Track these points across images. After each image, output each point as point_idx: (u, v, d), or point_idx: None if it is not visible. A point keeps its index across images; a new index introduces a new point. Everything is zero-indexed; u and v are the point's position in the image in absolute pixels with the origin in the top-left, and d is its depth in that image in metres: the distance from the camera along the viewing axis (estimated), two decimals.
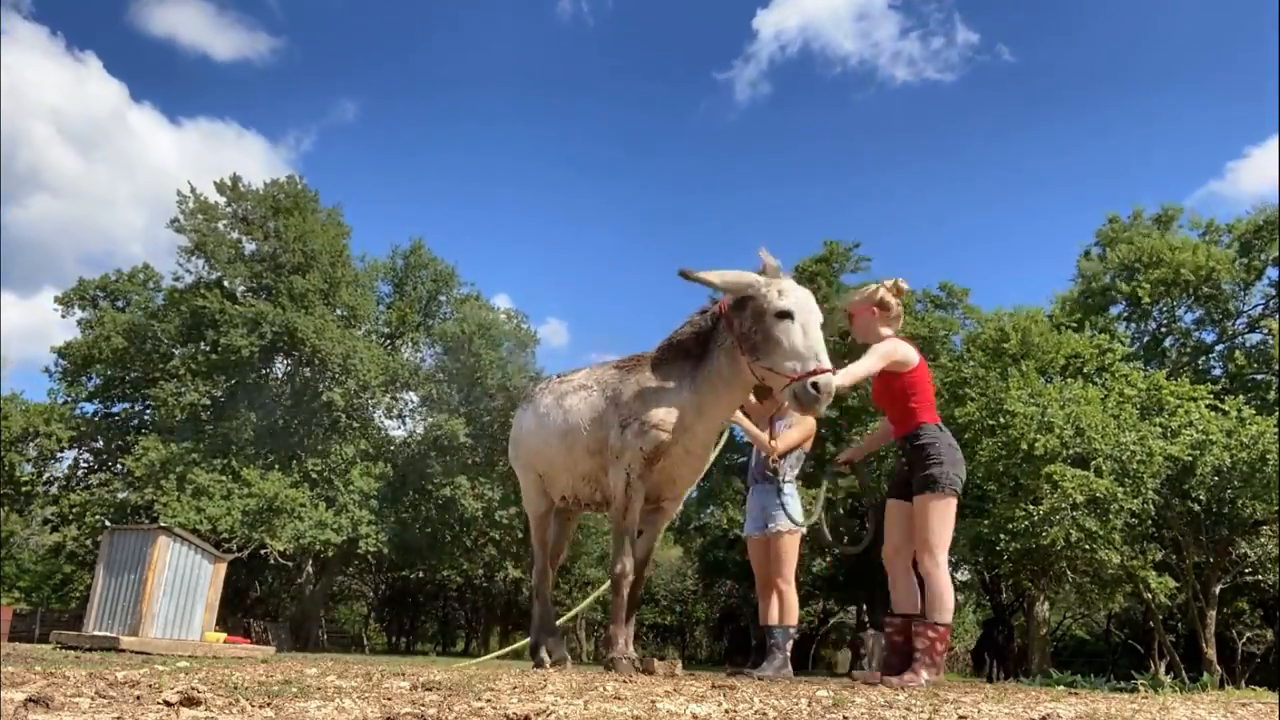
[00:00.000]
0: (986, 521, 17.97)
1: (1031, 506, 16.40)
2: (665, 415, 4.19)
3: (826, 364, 3.83)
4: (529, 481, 5.00)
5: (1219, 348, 25.65)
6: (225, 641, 12.61)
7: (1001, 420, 18.08)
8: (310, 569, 28.29)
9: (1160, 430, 16.94)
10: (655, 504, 4.56)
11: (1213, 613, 18.87)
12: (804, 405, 3.81)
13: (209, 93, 74.05)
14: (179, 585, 12.32)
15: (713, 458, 4.67)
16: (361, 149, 77.06)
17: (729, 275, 4.11)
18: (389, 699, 2.14)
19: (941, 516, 4.12)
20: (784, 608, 5.15)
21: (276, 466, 24.77)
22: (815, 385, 3.74)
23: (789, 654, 5.09)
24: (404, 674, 3.13)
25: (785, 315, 3.90)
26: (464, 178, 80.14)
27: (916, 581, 4.27)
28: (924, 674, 3.96)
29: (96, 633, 11.40)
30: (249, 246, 27.42)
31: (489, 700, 2.14)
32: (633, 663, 4.24)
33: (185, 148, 78.22)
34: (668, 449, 4.20)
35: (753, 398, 4.93)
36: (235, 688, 2.29)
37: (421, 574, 32.15)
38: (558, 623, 5.36)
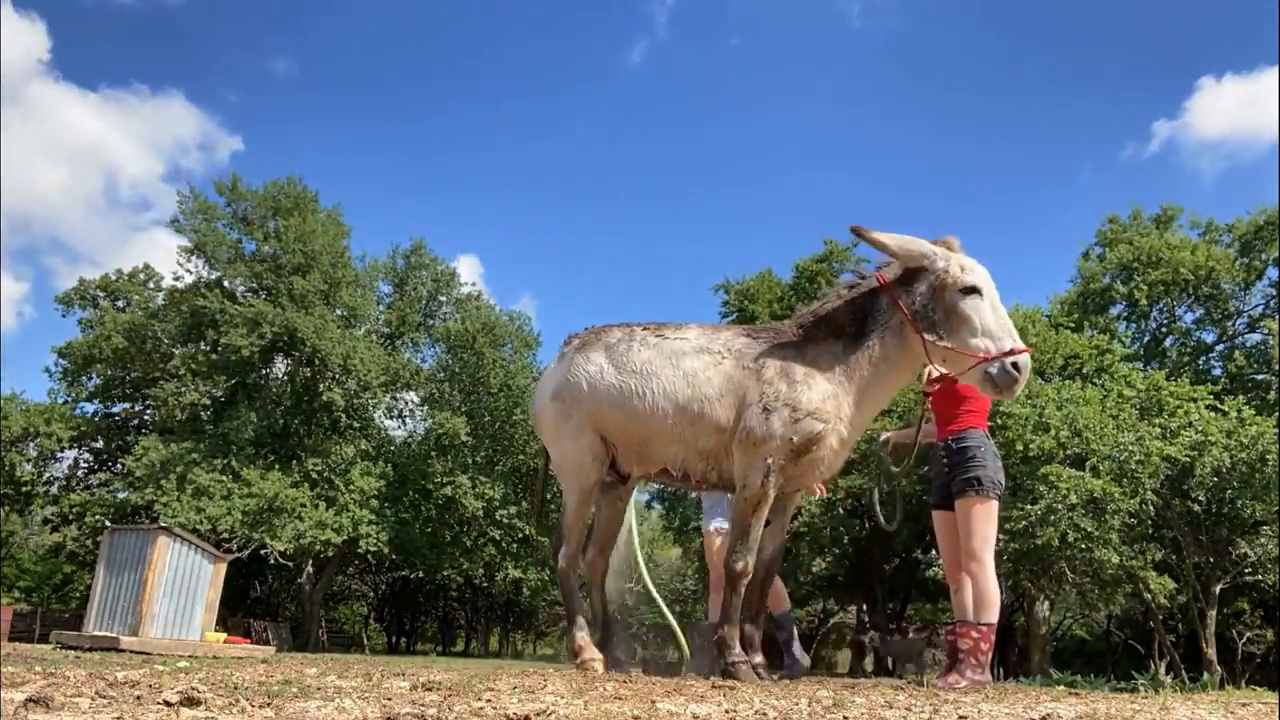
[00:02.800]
0: None
1: (1029, 506, 16.41)
2: (822, 403, 3.72)
3: (1021, 343, 3.60)
4: (582, 445, 4.22)
5: (1219, 348, 25.66)
6: (225, 641, 12.61)
7: (999, 421, 18.08)
8: (310, 569, 28.28)
9: (1159, 431, 16.95)
10: (791, 492, 4.13)
11: (1213, 613, 18.86)
12: (1001, 387, 3.54)
13: (123, 43, 71.61)
14: (179, 585, 12.31)
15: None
16: (300, 110, 75.73)
17: (905, 240, 3.75)
18: (389, 699, 2.14)
19: (985, 518, 4.15)
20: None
21: (276, 466, 24.75)
22: (1016, 365, 3.51)
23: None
24: (404, 674, 3.13)
25: (973, 291, 3.61)
26: (416, 138, 79.38)
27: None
28: (969, 674, 3.96)
29: (96, 633, 11.39)
30: (249, 247, 27.44)
31: (489, 700, 2.14)
32: (755, 669, 3.90)
33: (102, 106, 76.80)
34: (821, 441, 3.74)
35: None
36: (235, 688, 2.29)
37: (421, 574, 32.15)
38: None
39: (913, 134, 79.70)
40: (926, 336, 3.65)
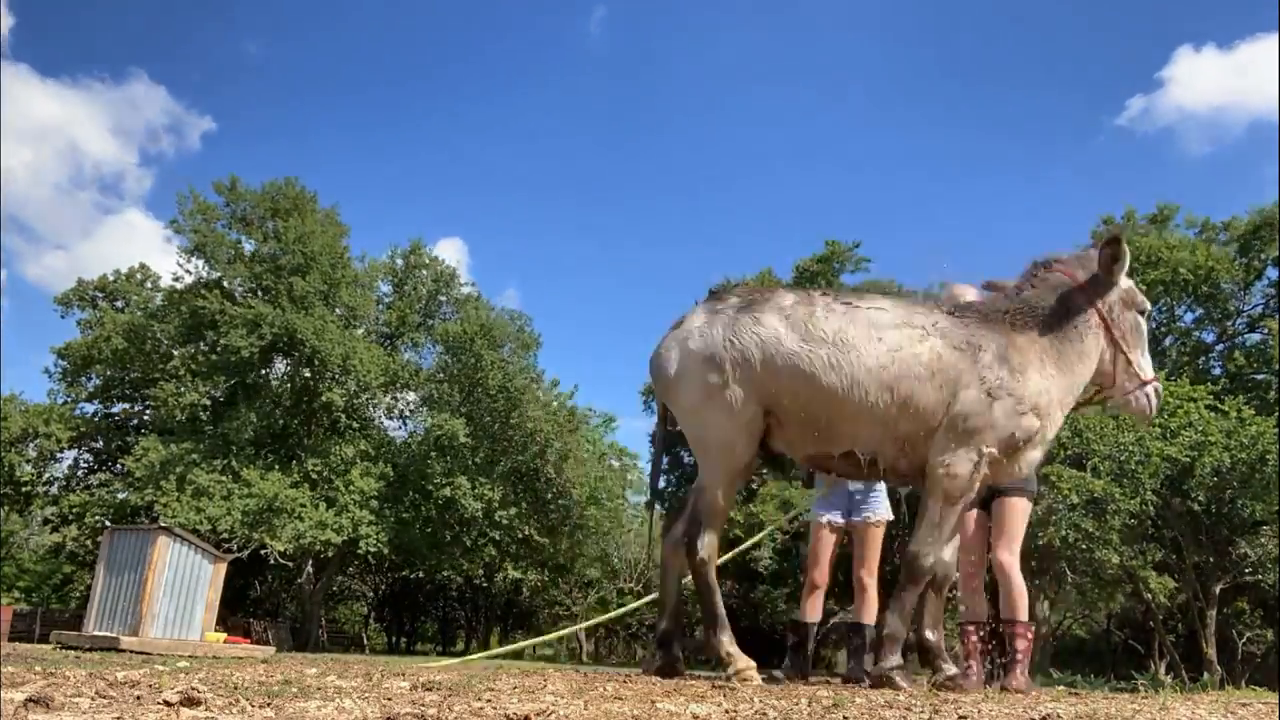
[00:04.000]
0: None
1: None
2: (1038, 397, 3.53)
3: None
4: (741, 421, 3.69)
5: (1219, 347, 25.67)
6: (225, 641, 12.61)
7: None
8: (310, 569, 28.28)
9: (1159, 431, 16.96)
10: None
11: (1213, 613, 18.87)
12: (1149, 411, 3.65)
13: (84, 21, 69.84)
14: (179, 585, 12.31)
15: None
16: (270, 88, 74.15)
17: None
18: (389, 699, 2.14)
19: (1025, 517, 4.33)
20: (868, 604, 4.89)
21: (276, 467, 24.76)
22: (1158, 392, 3.64)
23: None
24: (404, 674, 3.13)
25: (1144, 313, 3.66)
26: (391, 121, 78.66)
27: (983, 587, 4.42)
28: (1024, 675, 4.01)
29: (96, 633, 11.39)
30: (248, 247, 27.45)
31: (489, 700, 2.14)
32: (955, 679, 3.57)
33: (65, 85, 75.96)
34: (1035, 440, 3.58)
35: None
36: (235, 688, 2.29)
37: (421, 574, 32.17)
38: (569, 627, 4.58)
39: (896, 128, 79.51)
40: (1115, 345, 3.64)
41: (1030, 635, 4.07)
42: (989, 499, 4.32)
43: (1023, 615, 4.09)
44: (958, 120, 78.56)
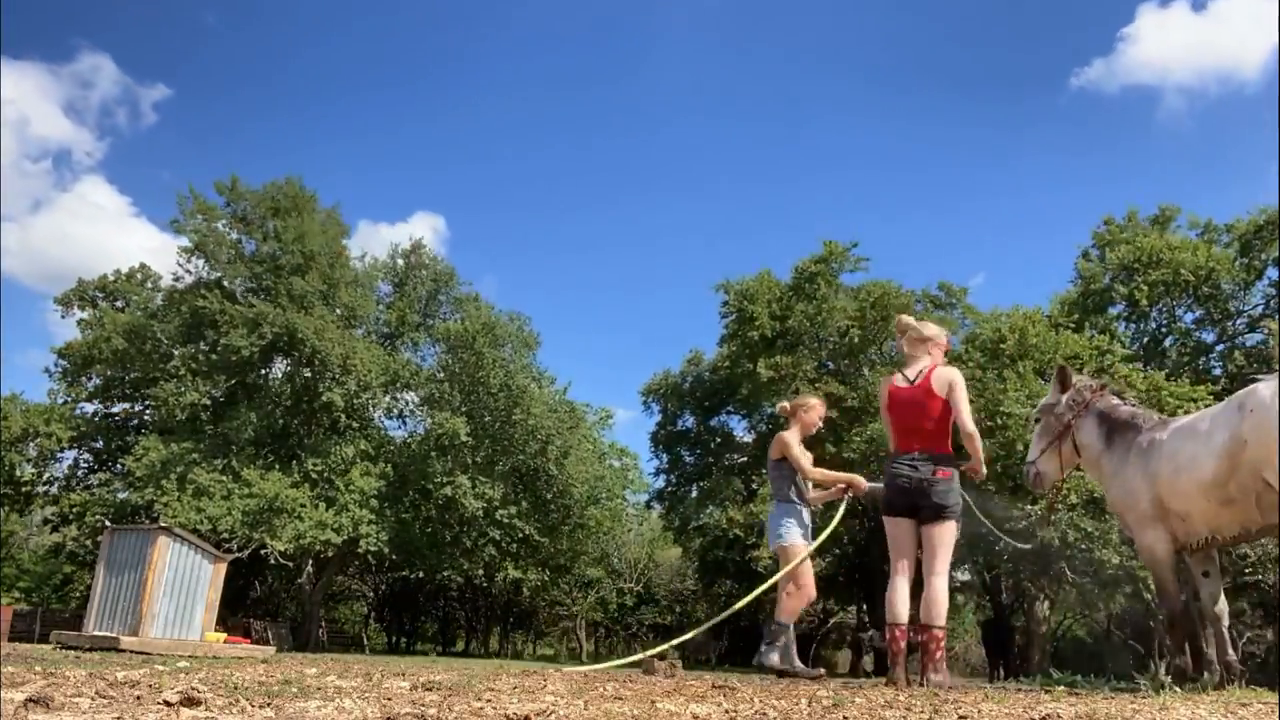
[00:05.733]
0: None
1: (1029, 506, 16.43)
2: None
3: None
4: None
5: (1219, 348, 25.66)
6: (225, 641, 12.62)
7: (999, 421, 18.08)
8: (310, 569, 28.27)
9: None
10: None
11: None
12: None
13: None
14: (179, 585, 12.31)
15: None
16: (229, 53, 74.30)
17: None
18: (389, 699, 2.14)
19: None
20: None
21: (276, 466, 24.74)
22: None
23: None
24: (404, 674, 3.13)
25: None
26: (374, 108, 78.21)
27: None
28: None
29: (96, 633, 11.40)
30: (249, 247, 27.43)
31: (489, 700, 2.14)
32: None
33: (11, 58, 75.57)
34: None
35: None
36: (235, 688, 2.29)
37: (421, 574, 32.16)
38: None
39: (877, 124, 79.33)
40: None
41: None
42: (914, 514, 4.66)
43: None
44: (939, 111, 78.44)
